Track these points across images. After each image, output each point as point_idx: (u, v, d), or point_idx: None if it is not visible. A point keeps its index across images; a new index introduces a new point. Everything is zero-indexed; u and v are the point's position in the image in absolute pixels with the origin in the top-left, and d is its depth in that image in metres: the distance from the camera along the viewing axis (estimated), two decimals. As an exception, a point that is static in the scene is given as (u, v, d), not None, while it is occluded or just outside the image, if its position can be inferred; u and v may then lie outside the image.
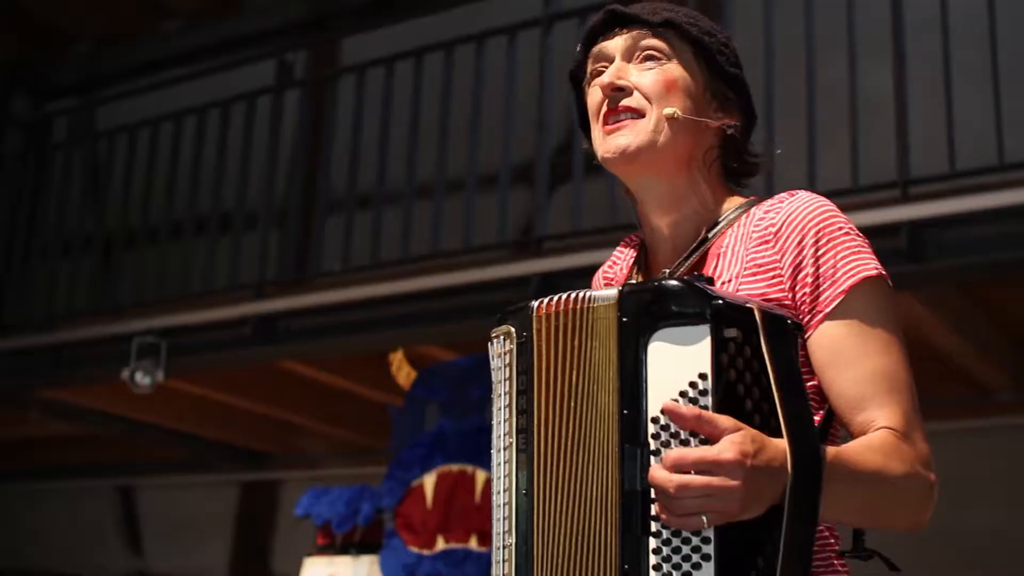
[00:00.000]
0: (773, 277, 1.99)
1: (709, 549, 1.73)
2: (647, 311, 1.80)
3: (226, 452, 8.86)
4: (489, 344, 2.03)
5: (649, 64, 2.12)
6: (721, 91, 2.15)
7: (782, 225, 2.01)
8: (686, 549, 1.74)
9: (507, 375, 1.96)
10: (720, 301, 1.76)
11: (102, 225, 7.59)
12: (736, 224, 2.09)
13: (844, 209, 5.12)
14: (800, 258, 1.98)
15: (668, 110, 2.07)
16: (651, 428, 1.77)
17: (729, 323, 1.76)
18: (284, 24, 8.16)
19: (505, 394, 1.95)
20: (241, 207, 6.89)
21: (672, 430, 1.76)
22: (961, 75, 5.20)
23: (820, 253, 1.98)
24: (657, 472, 1.73)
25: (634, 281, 2.07)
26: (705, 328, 1.76)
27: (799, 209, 2.02)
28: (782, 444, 1.74)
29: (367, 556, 5.31)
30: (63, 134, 8.18)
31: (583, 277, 1.93)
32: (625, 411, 1.79)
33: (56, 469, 10.10)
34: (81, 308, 7.39)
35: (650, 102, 2.09)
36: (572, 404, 1.87)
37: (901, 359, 1.99)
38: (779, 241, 2.00)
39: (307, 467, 8.88)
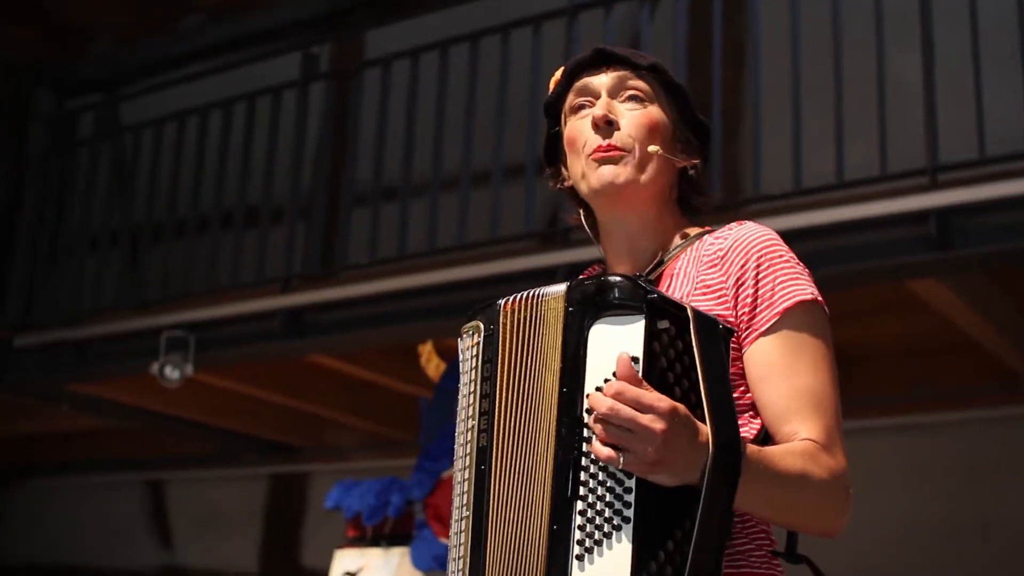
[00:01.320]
0: (719, 296, 2.14)
1: (629, 513, 1.86)
2: (591, 301, 1.96)
3: (255, 445, 8.88)
4: (459, 339, 2.17)
5: (632, 104, 2.26)
6: (686, 135, 2.30)
7: (729, 249, 2.16)
8: (608, 512, 1.87)
9: (473, 365, 2.11)
10: (655, 295, 1.90)
11: (129, 220, 7.60)
12: (689, 249, 2.24)
13: (872, 197, 5.11)
14: (743, 279, 2.13)
15: (652, 148, 2.23)
16: (586, 404, 1.90)
17: (663, 315, 1.90)
18: (308, 17, 8.15)
19: (471, 381, 2.10)
20: (267, 200, 6.90)
21: None
22: (989, 61, 5.16)
23: (760, 276, 2.13)
24: (597, 395, 1.87)
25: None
26: (640, 318, 1.90)
27: (745, 235, 2.17)
28: (706, 427, 1.87)
29: (398, 548, 5.31)
30: (88, 130, 8.20)
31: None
32: (564, 389, 1.94)
33: (86, 464, 10.15)
34: (108, 303, 7.41)
35: (634, 140, 2.23)
36: (526, 388, 2.01)
37: (829, 379, 2.11)
38: (725, 263, 2.15)
39: (336, 460, 8.88)
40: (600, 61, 2.30)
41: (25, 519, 10.91)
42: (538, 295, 2.03)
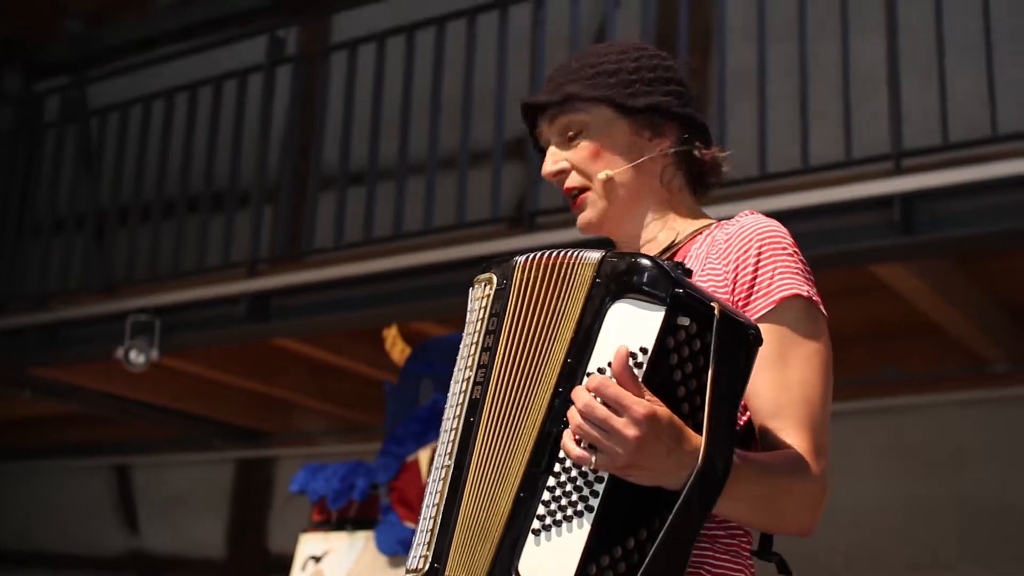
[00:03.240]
0: (720, 281, 2.11)
1: (594, 502, 1.84)
2: (618, 279, 1.90)
3: (221, 430, 8.87)
4: (470, 289, 2.15)
5: (574, 141, 2.28)
6: (647, 120, 2.26)
7: (734, 236, 2.14)
8: (575, 495, 1.85)
9: (480, 316, 2.08)
10: (682, 290, 1.84)
11: (95, 203, 7.57)
12: (700, 236, 2.23)
13: (837, 182, 5.12)
14: (743, 265, 2.10)
15: (601, 175, 2.25)
16: (585, 381, 1.86)
17: (686, 312, 1.83)
18: (275, 0, 8.13)
19: (475, 332, 2.08)
20: (233, 184, 6.88)
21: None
22: (954, 46, 5.18)
23: (760, 264, 2.10)
24: (578, 389, 1.85)
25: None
26: (661, 309, 1.84)
27: (752, 224, 2.15)
28: (698, 439, 1.82)
29: (363, 532, 5.31)
30: (55, 112, 8.15)
31: (575, 252, 1.98)
32: (568, 360, 1.91)
33: (51, 448, 10.12)
34: (74, 286, 7.38)
35: (585, 177, 2.27)
36: (531, 348, 1.98)
37: (821, 376, 2.07)
38: (728, 249, 2.13)
39: (303, 444, 8.89)
40: (532, 112, 2.33)
41: (-10, 504, 10.90)
42: (570, 256, 1.98)
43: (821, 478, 1.99)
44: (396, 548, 5.09)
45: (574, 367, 1.90)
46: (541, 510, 1.87)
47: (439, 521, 2.03)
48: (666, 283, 1.85)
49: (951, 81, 5.10)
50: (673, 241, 2.25)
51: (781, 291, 2.07)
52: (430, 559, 2.02)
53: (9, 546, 10.63)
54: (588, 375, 1.87)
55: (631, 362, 1.82)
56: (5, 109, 8.41)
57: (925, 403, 6.93)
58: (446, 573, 1.99)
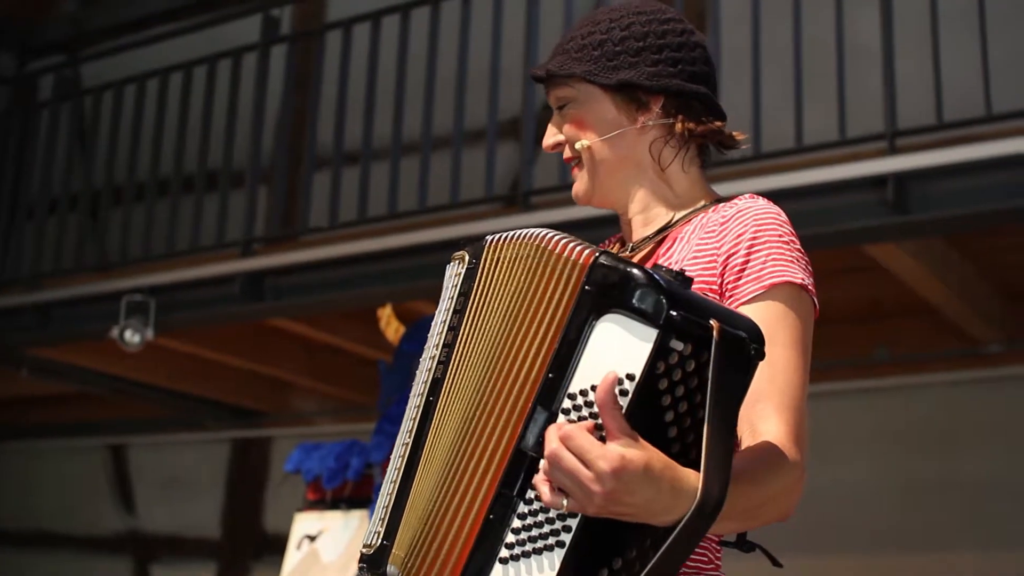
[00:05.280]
0: (709, 262, 2.06)
1: (566, 538, 1.75)
2: (609, 291, 1.76)
3: (217, 410, 8.88)
4: (448, 267, 2.14)
5: (564, 112, 2.26)
6: (627, 95, 2.21)
7: (731, 218, 2.09)
8: (547, 528, 1.76)
9: (451, 295, 2.08)
10: (677, 313, 1.70)
11: (89, 183, 7.56)
12: (700, 215, 2.17)
13: (831, 161, 5.11)
14: (735, 248, 2.04)
15: (577, 145, 2.23)
16: (567, 402, 1.76)
17: (680, 336, 1.70)
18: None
19: (445, 311, 2.08)
20: (228, 164, 6.87)
21: (584, 413, 1.75)
22: (948, 26, 5.18)
23: (754, 248, 2.04)
24: (550, 431, 1.72)
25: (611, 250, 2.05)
26: (654, 332, 1.70)
27: (751, 208, 2.09)
28: (688, 475, 1.71)
29: (358, 511, 5.32)
30: (49, 92, 8.14)
31: (570, 231, 1.92)
32: (550, 375, 1.79)
33: (47, 428, 10.13)
34: (69, 266, 7.38)
35: (575, 148, 2.24)
36: (499, 337, 1.91)
37: (803, 363, 2.00)
38: (723, 231, 2.07)
39: (298, 424, 8.90)
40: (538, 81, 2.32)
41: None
42: (555, 245, 1.87)
43: (799, 465, 1.91)
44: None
45: (554, 385, 1.78)
46: (511, 537, 1.79)
47: (393, 500, 2.02)
48: (659, 302, 1.71)
49: (946, 59, 5.09)
50: (668, 222, 2.20)
51: (772, 278, 2.01)
52: (382, 535, 2.02)
53: (7, 525, 10.66)
54: (570, 396, 1.76)
55: (616, 389, 1.70)
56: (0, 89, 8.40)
57: (919, 383, 6.94)
58: (393, 551, 1.98)
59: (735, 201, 2.13)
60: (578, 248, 1.84)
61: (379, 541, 2.02)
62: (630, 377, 1.71)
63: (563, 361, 1.78)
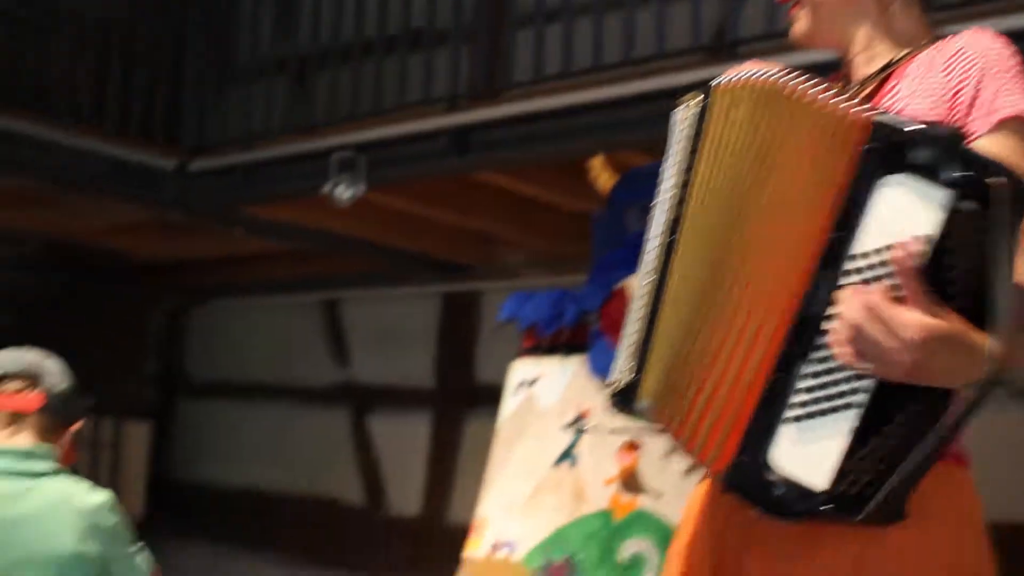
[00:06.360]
0: (936, 99, 2.03)
1: (857, 399, 1.76)
2: (894, 151, 1.74)
3: (426, 264, 8.99)
4: (674, 112, 2.21)
5: None
6: None
7: (958, 51, 2.06)
8: (836, 388, 1.77)
9: (685, 134, 2.13)
10: (966, 172, 1.68)
11: (294, 48, 7.68)
12: (923, 51, 2.15)
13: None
14: (963, 83, 2.01)
15: None
16: (852, 263, 1.77)
17: (970, 195, 1.68)
18: None
19: (679, 151, 2.14)
20: (431, 25, 6.91)
21: (869, 275, 1.75)
22: None
23: (983, 82, 2.00)
24: (848, 296, 1.74)
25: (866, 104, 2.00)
26: (944, 193, 1.69)
27: (978, 40, 2.06)
28: (978, 338, 1.72)
29: (575, 356, 5.32)
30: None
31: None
32: (834, 233, 1.79)
33: (262, 284, 10.44)
34: (277, 127, 7.53)
35: None
36: (745, 182, 1.95)
37: None
38: (950, 65, 2.05)
39: (506, 278, 8.96)
40: None
41: (207, 338, 11.31)
42: (796, 96, 1.90)
43: None
44: (608, 373, 5.09)
45: (840, 244, 1.78)
46: (798, 397, 1.80)
47: (642, 338, 2.08)
48: (947, 162, 1.69)
49: None
50: (892, 59, 2.20)
51: (1005, 110, 1.97)
52: (633, 370, 2.08)
53: (227, 378, 11.04)
54: (861, 255, 1.76)
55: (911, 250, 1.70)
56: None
57: None
58: (644, 384, 2.04)
59: (961, 35, 2.11)
60: (844, 103, 1.85)
61: (630, 376, 2.08)
62: (924, 239, 1.70)
63: (847, 220, 1.77)
